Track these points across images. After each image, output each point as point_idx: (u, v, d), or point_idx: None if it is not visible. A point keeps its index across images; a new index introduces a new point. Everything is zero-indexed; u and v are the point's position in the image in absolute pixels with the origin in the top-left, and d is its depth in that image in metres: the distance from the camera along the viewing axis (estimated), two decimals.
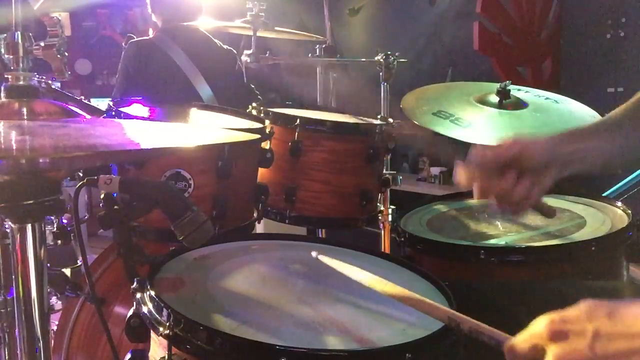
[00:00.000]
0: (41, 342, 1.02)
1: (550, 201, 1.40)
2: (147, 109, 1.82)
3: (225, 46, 3.17)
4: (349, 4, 4.86)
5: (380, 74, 2.23)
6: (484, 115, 1.85)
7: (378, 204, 2.02)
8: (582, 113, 1.89)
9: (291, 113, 1.92)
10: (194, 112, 1.91)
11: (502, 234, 1.64)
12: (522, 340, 0.78)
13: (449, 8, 4.47)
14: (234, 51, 3.12)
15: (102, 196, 1.10)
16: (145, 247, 1.10)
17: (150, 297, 1.02)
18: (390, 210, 2.11)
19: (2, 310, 1.43)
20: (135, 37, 3.13)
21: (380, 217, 2.07)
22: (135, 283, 1.06)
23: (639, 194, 2.31)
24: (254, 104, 1.88)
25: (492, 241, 1.58)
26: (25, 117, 1.13)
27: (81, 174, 1.60)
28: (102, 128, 1.16)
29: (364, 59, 2.42)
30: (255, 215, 1.71)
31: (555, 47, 3.71)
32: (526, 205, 1.13)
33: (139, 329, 1.02)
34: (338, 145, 1.78)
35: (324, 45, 2.82)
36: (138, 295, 1.04)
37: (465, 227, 1.72)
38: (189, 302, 1.03)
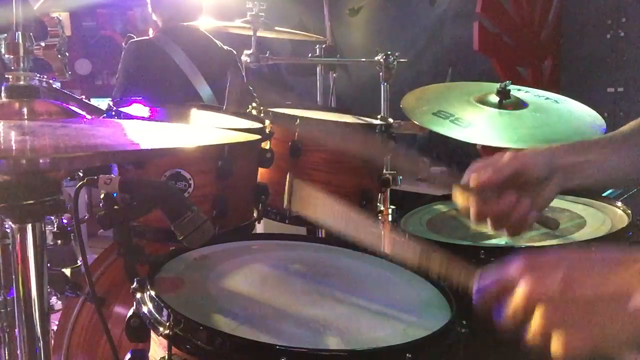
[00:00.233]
0: (41, 342, 1.02)
1: None
2: (147, 109, 1.82)
3: (225, 47, 3.18)
4: (349, 4, 4.85)
5: (380, 74, 2.23)
6: (484, 115, 1.84)
7: (378, 204, 2.02)
8: (582, 113, 1.89)
9: (291, 113, 1.92)
10: (194, 112, 1.91)
11: (502, 234, 1.63)
12: (494, 272, 0.78)
13: (449, 8, 4.47)
14: (234, 52, 3.13)
15: (102, 196, 1.11)
16: (145, 247, 1.10)
17: (150, 297, 1.02)
18: (390, 210, 2.11)
19: (2, 310, 1.43)
20: (135, 37, 3.13)
21: (380, 217, 2.07)
22: (135, 283, 1.06)
23: (639, 194, 2.31)
24: (253, 104, 1.88)
25: (492, 241, 1.58)
26: (25, 117, 1.13)
27: (81, 174, 1.60)
28: (102, 128, 1.16)
29: (364, 59, 2.43)
30: (255, 215, 1.71)
31: (555, 47, 3.70)
32: (525, 227, 1.10)
33: (139, 329, 1.02)
34: (338, 145, 1.78)
35: (324, 45, 2.82)
36: (138, 295, 1.04)
37: (465, 227, 1.71)
38: (189, 302, 1.03)
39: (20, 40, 1.15)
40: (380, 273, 1.25)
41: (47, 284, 1.04)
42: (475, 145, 3.31)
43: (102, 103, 2.01)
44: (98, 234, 4.38)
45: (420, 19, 4.72)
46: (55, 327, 1.80)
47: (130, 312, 1.04)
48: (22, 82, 1.15)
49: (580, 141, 1.18)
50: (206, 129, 1.58)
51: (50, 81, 1.84)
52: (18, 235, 0.99)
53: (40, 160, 0.82)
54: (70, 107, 1.26)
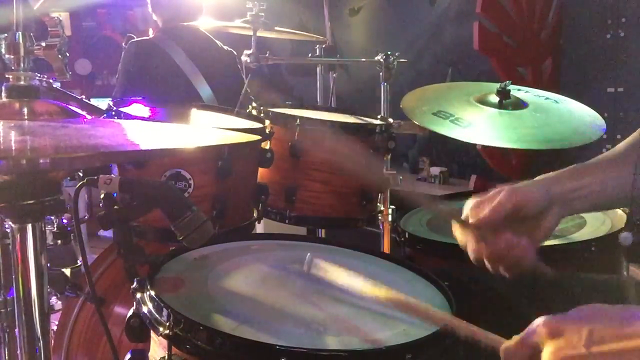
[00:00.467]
0: (41, 342, 1.02)
1: None
2: (147, 109, 1.82)
3: (225, 47, 3.18)
4: (349, 4, 4.85)
5: (380, 74, 2.23)
6: (484, 115, 1.84)
7: (378, 204, 2.02)
8: (582, 113, 1.89)
9: (291, 113, 1.92)
10: (194, 112, 1.91)
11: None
12: (518, 340, 0.78)
13: (449, 8, 4.47)
14: (234, 52, 3.13)
15: (102, 196, 1.11)
16: (145, 247, 1.10)
17: (150, 297, 1.02)
18: (390, 210, 2.10)
19: (2, 310, 1.43)
20: (135, 37, 3.12)
21: (380, 217, 2.07)
22: (135, 283, 1.06)
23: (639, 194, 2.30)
24: (253, 104, 1.88)
25: None
26: (25, 117, 1.13)
27: (81, 174, 1.60)
28: (103, 128, 1.17)
29: (364, 59, 2.42)
30: (255, 215, 1.71)
31: (555, 47, 3.70)
32: (523, 268, 1.08)
33: (139, 329, 1.02)
34: (338, 145, 1.78)
35: (324, 45, 2.82)
36: (138, 295, 1.04)
37: None
38: (189, 302, 1.03)
39: (21, 40, 1.15)
40: (380, 273, 1.25)
41: (47, 284, 1.04)
42: (475, 145, 3.32)
43: (102, 103, 2.01)
44: (98, 234, 4.38)
45: (420, 19, 4.73)
46: (55, 327, 1.80)
47: (130, 312, 1.04)
48: (22, 82, 1.15)
49: (574, 166, 1.15)
50: (206, 129, 1.58)
51: (51, 81, 1.84)
52: (18, 235, 0.99)
53: (40, 160, 0.82)
54: (70, 107, 1.25)
